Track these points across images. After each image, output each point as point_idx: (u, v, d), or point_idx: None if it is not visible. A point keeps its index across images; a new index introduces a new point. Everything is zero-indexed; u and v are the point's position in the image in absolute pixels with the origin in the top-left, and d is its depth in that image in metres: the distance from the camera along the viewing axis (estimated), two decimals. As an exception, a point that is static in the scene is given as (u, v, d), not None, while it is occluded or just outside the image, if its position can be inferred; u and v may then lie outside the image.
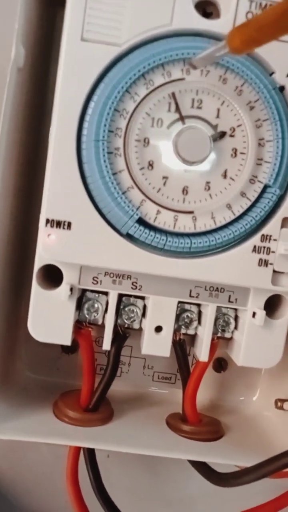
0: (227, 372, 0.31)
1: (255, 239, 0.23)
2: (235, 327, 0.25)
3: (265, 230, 0.22)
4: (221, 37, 0.21)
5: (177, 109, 0.21)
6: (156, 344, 0.25)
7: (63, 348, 0.30)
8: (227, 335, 0.26)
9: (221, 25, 0.21)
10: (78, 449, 0.26)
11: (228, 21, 0.21)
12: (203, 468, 0.25)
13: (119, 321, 0.25)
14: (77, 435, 0.25)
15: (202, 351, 0.25)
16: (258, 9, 0.21)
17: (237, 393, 0.31)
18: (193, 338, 0.27)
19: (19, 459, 0.33)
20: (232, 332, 0.26)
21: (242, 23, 0.15)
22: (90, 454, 0.27)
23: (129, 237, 0.22)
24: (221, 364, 0.31)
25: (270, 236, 0.22)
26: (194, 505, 0.34)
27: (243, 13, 0.21)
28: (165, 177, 0.22)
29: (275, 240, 0.22)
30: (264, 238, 0.22)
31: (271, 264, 0.23)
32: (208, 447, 0.26)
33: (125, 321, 0.25)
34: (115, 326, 0.25)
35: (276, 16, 0.13)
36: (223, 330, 0.26)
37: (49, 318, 0.24)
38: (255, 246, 0.23)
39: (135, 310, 0.25)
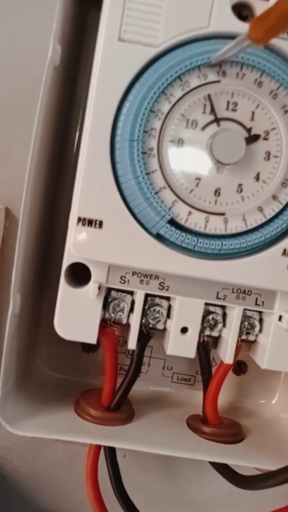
0: (246, 375, 0.31)
1: (286, 243, 0.23)
2: (260, 330, 0.25)
3: (295, 234, 0.22)
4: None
5: (213, 111, 0.21)
6: (181, 345, 0.25)
7: (84, 347, 0.30)
8: (251, 338, 0.26)
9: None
10: (98, 448, 0.27)
11: (265, 24, 0.21)
12: (225, 470, 0.25)
13: (143, 321, 0.25)
14: (99, 434, 0.25)
15: (227, 353, 0.25)
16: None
17: (257, 396, 0.31)
18: (215, 340, 0.27)
19: (35, 458, 0.33)
20: (257, 335, 0.26)
21: (262, 13, 0.15)
22: (111, 453, 0.27)
23: (159, 237, 0.22)
24: (240, 367, 0.31)
25: (301, 240, 0.22)
26: (209, 508, 0.34)
27: (280, 16, 0.21)
28: (198, 178, 0.22)
29: (305, 244, 0.22)
30: (295, 241, 0.22)
31: (300, 268, 0.23)
32: (229, 449, 0.26)
33: (150, 321, 0.25)
34: (140, 325, 0.25)
35: None
36: (248, 333, 0.25)
37: (76, 316, 0.24)
38: (285, 250, 0.23)
39: (160, 311, 0.25)
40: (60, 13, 0.21)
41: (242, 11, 0.22)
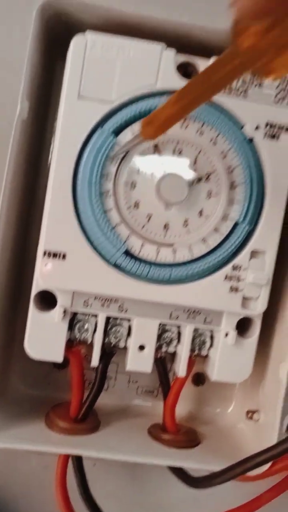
0: (205, 386, 0.34)
1: (227, 269, 0.26)
2: (211, 346, 0.29)
3: (236, 261, 0.26)
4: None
5: (159, 157, 0.24)
6: (139, 361, 0.27)
7: (55, 364, 0.33)
8: (204, 352, 0.29)
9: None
10: (66, 457, 0.29)
11: (204, 83, 0.25)
12: (179, 473, 0.28)
13: (106, 340, 0.28)
14: (66, 443, 0.28)
15: (180, 367, 0.28)
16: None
17: (214, 406, 0.34)
18: (173, 355, 0.30)
19: (9, 471, 0.35)
20: (208, 350, 0.29)
21: (149, 116, 0.18)
22: (78, 461, 0.29)
23: (116, 266, 0.25)
24: (199, 379, 0.33)
25: (240, 266, 0.26)
26: (174, 511, 0.36)
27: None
28: (149, 215, 0.25)
29: (244, 269, 0.26)
30: (235, 268, 0.26)
31: (241, 290, 0.26)
32: (185, 454, 0.29)
33: (112, 340, 0.28)
34: (103, 344, 0.28)
35: (174, 111, 0.17)
36: (200, 349, 0.29)
37: (44, 337, 0.26)
38: (227, 275, 0.26)
39: (120, 330, 0.28)
40: (28, 68, 0.24)
41: (188, 69, 0.26)
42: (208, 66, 0.16)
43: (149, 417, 0.33)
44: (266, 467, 0.27)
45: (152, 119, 0.18)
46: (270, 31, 0.14)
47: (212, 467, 0.27)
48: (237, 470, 0.25)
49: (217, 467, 0.27)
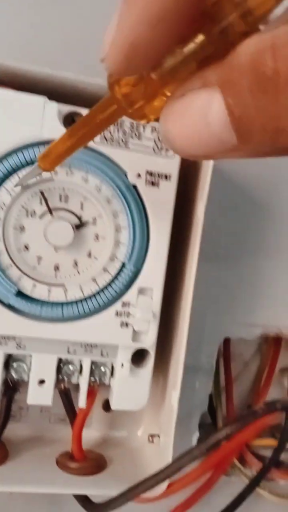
0: (115, 412, 0.35)
1: (117, 306, 0.27)
2: (112, 375, 0.30)
3: (125, 298, 0.27)
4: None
5: (46, 203, 0.26)
6: (39, 395, 0.29)
7: None
8: (106, 382, 0.30)
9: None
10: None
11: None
12: (82, 500, 0.29)
13: (9, 375, 0.29)
14: None
15: (80, 398, 0.29)
16: (112, 125, 0.26)
17: (124, 429, 0.35)
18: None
19: None
20: (109, 379, 0.30)
21: (47, 148, 0.20)
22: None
23: (10, 307, 0.26)
24: (108, 405, 0.35)
25: (129, 302, 0.27)
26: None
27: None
28: (39, 257, 0.26)
29: (133, 305, 0.27)
30: (124, 304, 0.27)
31: (131, 325, 0.28)
32: (90, 481, 0.30)
33: (14, 375, 0.29)
34: (6, 380, 0.29)
35: (68, 144, 0.18)
36: (101, 379, 0.30)
37: None
38: (117, 311, 0.27)
39: (22, 366, 0.29)
40: None
41: (75, 118, 0.27)
42: (92, 109, 0.18)
43: (61, 445, 0.34)
44: (162, 488, 0.29)
45: (47, 152, 0.20)
46: (138, 84, 0.16)
47: (112, 492, 0.29)
48: (130, 495, 0.26)
49: (117, 491, 0.28)
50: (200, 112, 0.13)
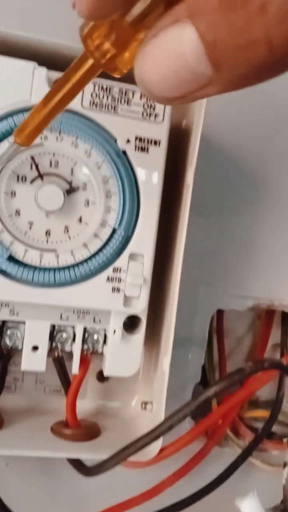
0: (109, 382, 0.36)
1: (108, 271, 0.28)
2: (104, 343, 0.30)
3: (116, 264, 0.28)
4: (72, 112, 0.26)
5: (37, 169, 0.26)
6: (33, 361, 0.29)
7: None
8: (99, 350, 0.31)
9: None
10: None
11: (79, 99, 0.27)
12: (76, 464, 0.30)
13: (3, 343, 0.29)
14: None
15: (73, 365, 0.30)
16: (101, 91, 0.27)
17: (118, 400, 0.36)
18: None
19: None
20: (102, 347, 0.30)
21: (22, 122, 0.19)
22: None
23: (2, 272, 0.27)
24: (103, 375, 0.35)
25: (120, 268, 0.28)
26: (89, 502, 0.38)
27: (88, 93, 0.27)
28: (30, 222, 0.27)
29: (124, 271, 0.28)
30: (115, 270, 0.28)
31: (122, 290, 0.28)
32: (83, 446, 0.30)
33: (8, 342, 0.29)
34: (0, 347, 0.29)
35: (42, 115, 0.18)
36: (93, 346, 0.30)
37: None
38: (108, 277, 0.28)
39: (15, 333, 0.29)
40: None
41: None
42: (66, 70, 0.17)
43: (57, 415, 0.34)
44: (154, 451, 0.29)
45: (23, 126, 0.19)
46: (110, 33, 0.16)
47: (104, 456, 0.29)
48: (122, 455, 0.27)
49: (105, 455, 0.28)
50: (173, 45, 0.13)
